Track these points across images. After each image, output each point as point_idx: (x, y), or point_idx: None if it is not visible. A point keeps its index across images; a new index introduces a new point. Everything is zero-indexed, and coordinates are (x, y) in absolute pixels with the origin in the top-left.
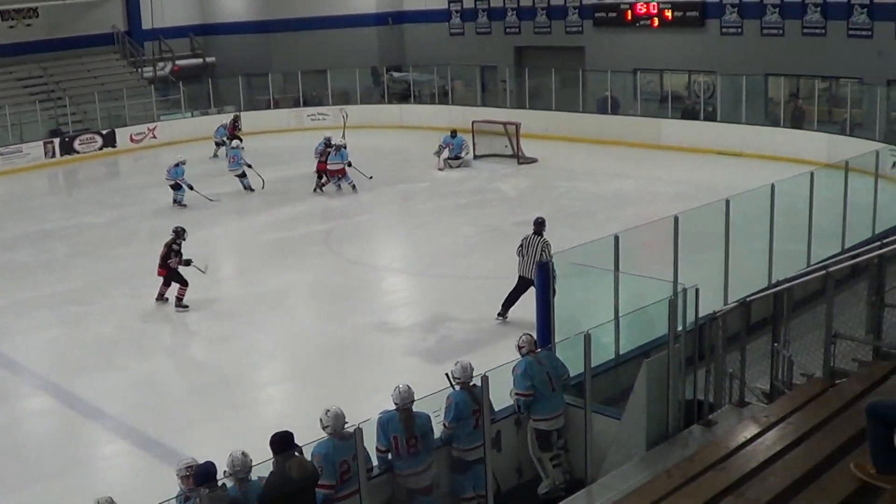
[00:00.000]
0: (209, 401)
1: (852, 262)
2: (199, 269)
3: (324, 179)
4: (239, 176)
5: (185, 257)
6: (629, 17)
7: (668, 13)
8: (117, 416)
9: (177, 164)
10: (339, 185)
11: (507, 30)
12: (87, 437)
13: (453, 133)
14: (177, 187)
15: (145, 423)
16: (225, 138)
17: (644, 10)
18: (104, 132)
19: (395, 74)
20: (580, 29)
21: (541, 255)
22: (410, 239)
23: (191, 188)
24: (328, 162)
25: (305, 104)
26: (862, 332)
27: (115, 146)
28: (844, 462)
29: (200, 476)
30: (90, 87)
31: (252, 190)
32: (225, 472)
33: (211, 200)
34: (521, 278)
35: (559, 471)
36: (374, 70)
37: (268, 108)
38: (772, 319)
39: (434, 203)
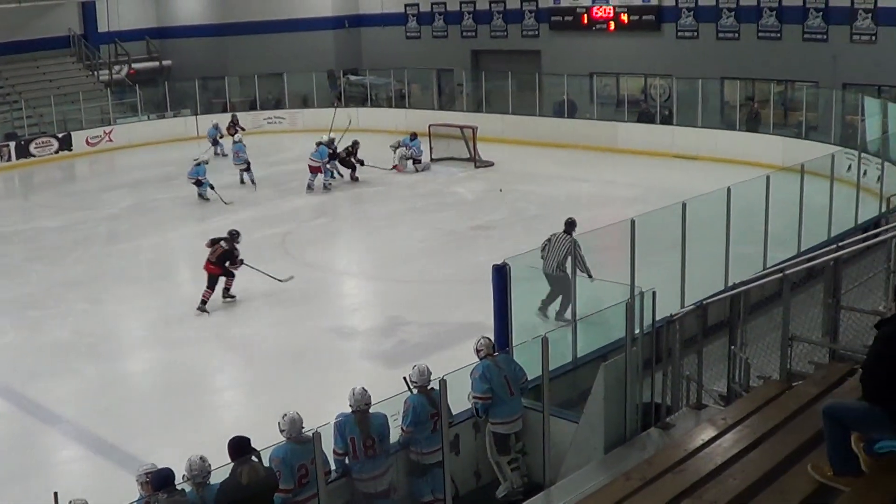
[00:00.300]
0: (167, 406)
1: (808, 264)
2: (278, 279)
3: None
4: (244, 170)
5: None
6: (585, 21)
7: (625, 17)
8: (74, 421)
9: (197, 164)
10: (310, 185)
11: (464, 33)
12: (44, 442)
13: (413, 136)
14: (198, 184)
15: (102, 428)
16: (219, 137)
17: (600, 14)
18: (60, 135)
19: (352, 78)
20: (536, 33)
21: (566, 254)
22: (367, 243)
23: (211, 188)
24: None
25: (262, 107)
26: (818, 334)
27: (71, 149)
28: (802, 464)
29: (158, 481)
30: (46, 90)
31: (254, 184)
32: (183, 476)
33: (226, 203)
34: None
35: (517, 474)
36: (331, 73)
37: (224, 111)
38: (728, 322)
39: (391, 207)
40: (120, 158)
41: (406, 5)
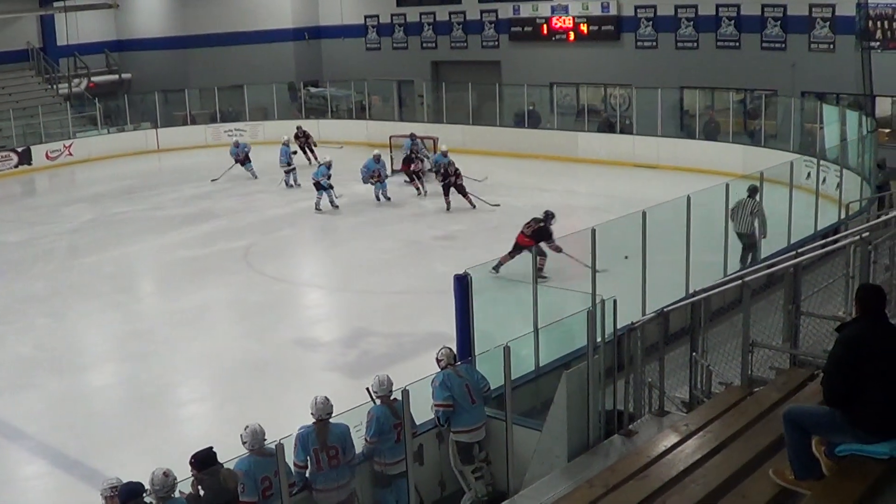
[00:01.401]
0: (130, 419)
1: (768, 271)
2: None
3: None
4: (288, 171)
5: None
6: (545, 32)
7: (584, 27)
8: (37, 437)
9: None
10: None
11: (424, 44)
12: (7, 458)
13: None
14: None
15: (66, 443)
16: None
17: (560, 25)
18: (20, 150)
19: (312, 90)
20: (496, 43)
21: (751, 217)
22: (330, 254)
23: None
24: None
25: (223, 120)
26: (779, 340)
27: (30, 164)
28: (763, 469)
29: (126, 494)
30: (5, 104)
31: (294, 185)
32: (146, 491)
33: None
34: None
35: (481, 483)
36: (292, 85)
37: (184, 124)
38: (690, 329)
39: (353, 218)
40: (80, 172)
41: (366, 17)
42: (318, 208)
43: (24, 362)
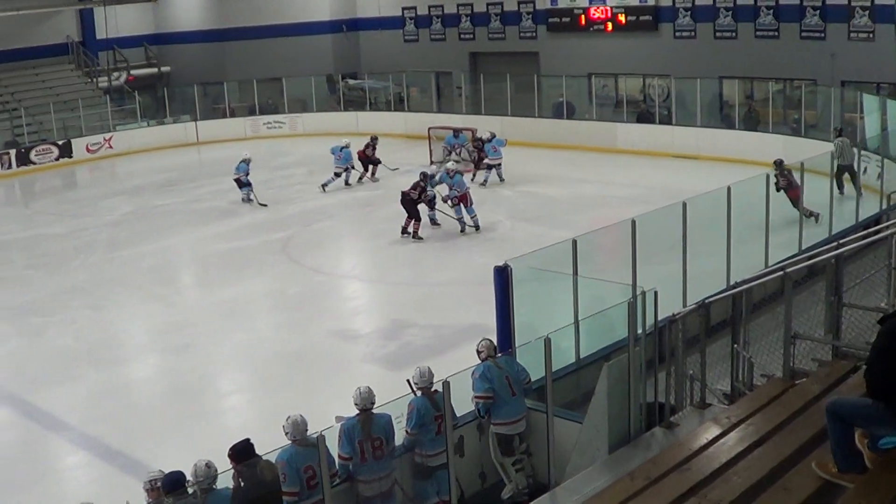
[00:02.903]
0: (171, 411)
1: (810, 262)
2: None
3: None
4: (344, 170)
5: None
6: (583, 22)
7: (622, 18)
8: (78, 428)
9: (244, 161)
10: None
11: (462, 36)
12: (48, 449)
13: (456, 133)
14: (241, 184)
15: (107, 434)
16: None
17: (598, 15)
18: (60, 143)
19: (351, 82)
20: (534, 34)
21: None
22: (369, 246)
23: (249, 184)
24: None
25: (261, 112)
26: (821, 332)
27: (71, 157)
28: (806, 461)
29: (169, 484)
30: (45, 97)
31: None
32: (188, 481)
33: (262, 205)
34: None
35: (522, 475)
36: (330, 78)
37: (223, 116)
38: (731, 321)
39: (392, 209)
40: (120, 165)
41: (403, 8)
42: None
43: (66, 354)
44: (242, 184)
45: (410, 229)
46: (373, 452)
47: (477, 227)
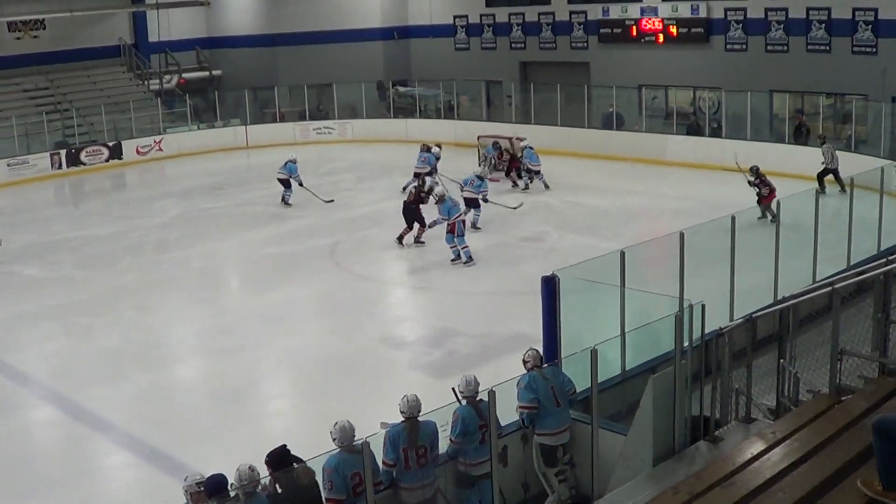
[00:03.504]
0: (215, 414)
1: (858, 278)
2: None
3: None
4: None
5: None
6: (634, 34)
7: (673, 29)
8: (123, 428)
9: (292, 161)
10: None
11: (513, 45)
12: (93, 449)
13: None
14: (287, 184)
15: (151, 436)
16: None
17: (649, 27)
18: (110, 144)
19: (401, 89)
20: (585, 45)
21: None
22: (415, 253)
23: (300, 184)
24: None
25: (311, 118)
26: (868, 348)
27: (121, 158)
28: (851, 479)
29: (211, 487)
30: (97, 99)
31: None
32: (232, 485)
33: (326, 201)
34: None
35: (565, 486)
36: (380, 84)
37: (273, 121)
38: (778, 336)
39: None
40: (170, 167)
41: (455, 17)
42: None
43: (112, 354)
44: (287, 184)
45: (407, 240)
46: (417, 460)
47: (468, 260)
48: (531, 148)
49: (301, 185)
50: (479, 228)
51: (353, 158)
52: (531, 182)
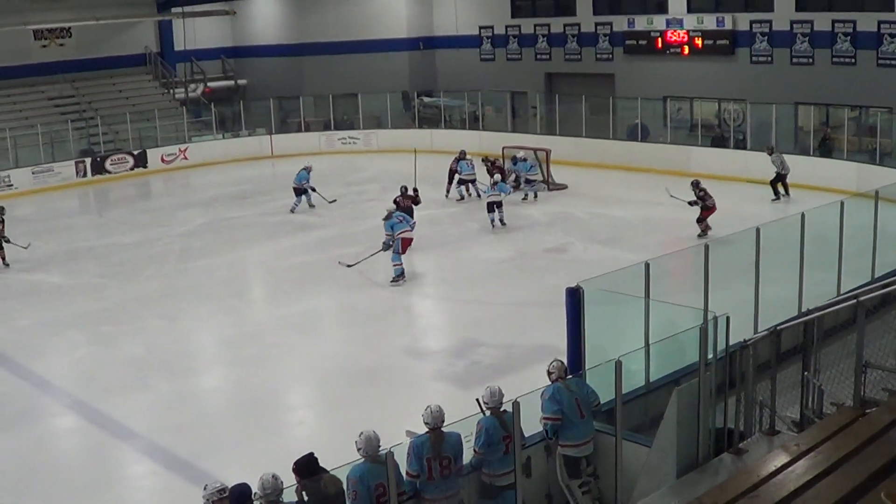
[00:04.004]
0: (239, 423)
1: (883, 291)
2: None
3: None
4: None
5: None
6: (659, 45)
7: (699, 41)
8: (146, 437)
9: (305, 169)
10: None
11: (538, 56)
12: (117, 457)
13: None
14: (299, 193)
15: (174, 444)
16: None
17: (674, 38)
18: (136, 152)
19: (426, 99)
20: (610, 56)
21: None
22: (439, 264)
23: (313, 189)
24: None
25: (336, 128)
26: (892, 361)
27: (146, 167)
28: (875, 491)
29: (236, 496)
30: (122, 107)
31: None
32: (255, 494)
33: (330, 202)
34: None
35: (588, 498)
36: (405, 94)
37: (298, 130)
38: (802, 348)
39: (464, 227)
40: (194, 176)
41: (480, 27)
42: (292, 211)
43: (136, 363)
44: (299, 192)
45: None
46: (440, 471)
47: (396, 279)
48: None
49: (313, 190)
50: (505, 224)
51: (378, 168)
52: (535, 196)
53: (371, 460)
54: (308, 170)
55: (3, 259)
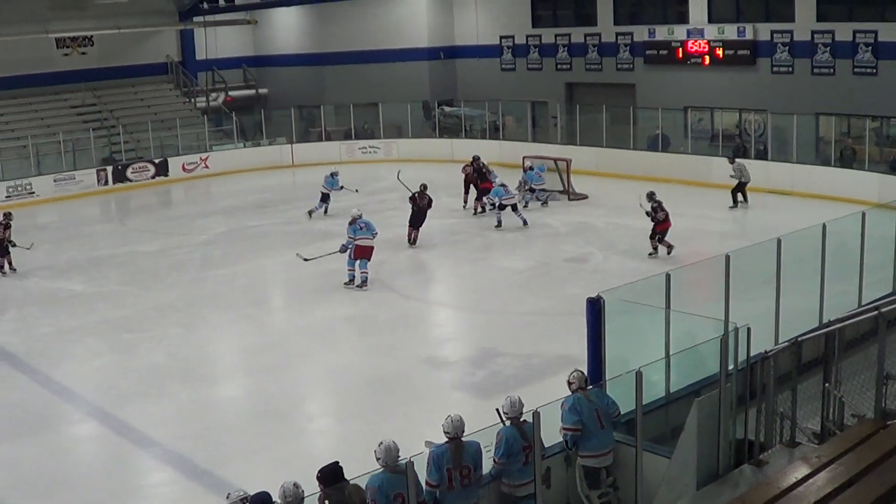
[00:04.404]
0: (258, 431)
1: None
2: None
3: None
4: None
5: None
6: (680, 55)
7: (720, 51)
8: (166, 445)
9: (332, 174)
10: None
11: (559, 66)
12: (136, 465)
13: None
14: (324, 198)
15: (194, 452)
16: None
17: (695, 49)
18: (157, 161)
19: (447, 109)
20: (631, 66)
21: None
22: (459, 273)
23: (341, 188)
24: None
25: (357, 137)
26: None
27: (167, 175)
28: None
29: None
30: (143, 115)
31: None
32: (276, 502)
33: (355, 191)
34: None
35: None
36: (426, 104)
37: (319, 140)
38: (823, 359)
39: (484, 237)
40: (215, 185)
41: (501, 37)
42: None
43: (156, 371)
44: (326, 198)
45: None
46: (461, 480)
47: (361, 284)
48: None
49: (341, 188)
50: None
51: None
52: (545, 202)
53: (390, 470)
54: (335, 175)
55: (10, 264)
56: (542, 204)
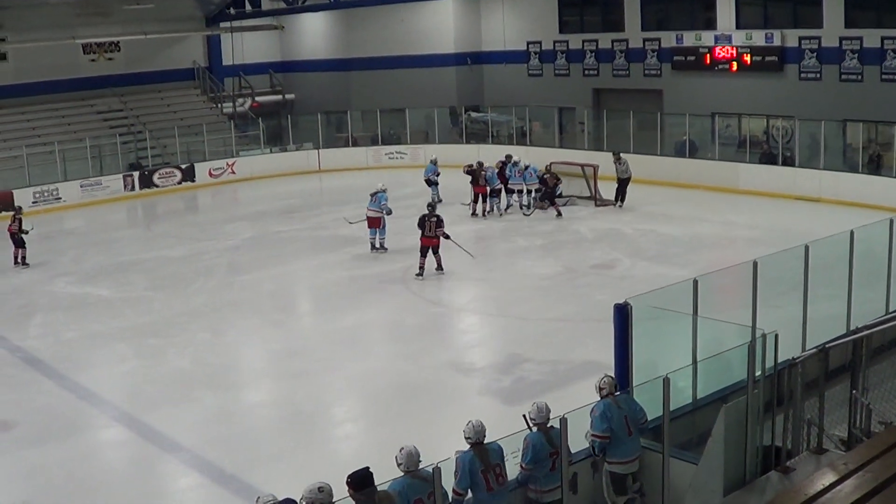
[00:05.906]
0: (285, 437)
1: None
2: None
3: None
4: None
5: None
6: (708, 61)
7: (747, 58)
8: (193, 450)
9: (432, 162)
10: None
11: (586, 72)
12: (163, 470)
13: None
14: (430, 184)
15: (220, 458)
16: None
17: (723, 55)
18: (183, 166)
19: (474, 115)
20: (659, 72)
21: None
22: (487, 279)
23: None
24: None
25: (383, 142)
26: None
27: (193, 181)
28: None
29: None
30: (170, 121)
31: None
32: None
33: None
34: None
35: None
36: (453, 110)
37: (346, 145)
38: (850, 366)
39: (511, 243)
40: (242, 190)
41: (528, 43)
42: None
43: (183, 376)
44: (431, 183)
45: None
46: (496, 479)
47: (373, 249)
48: (521, 165)
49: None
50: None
51: (426, 184)
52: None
53: (411, 475)
54: (434, 162)
55: (24, 259)
56: (541, 210)
